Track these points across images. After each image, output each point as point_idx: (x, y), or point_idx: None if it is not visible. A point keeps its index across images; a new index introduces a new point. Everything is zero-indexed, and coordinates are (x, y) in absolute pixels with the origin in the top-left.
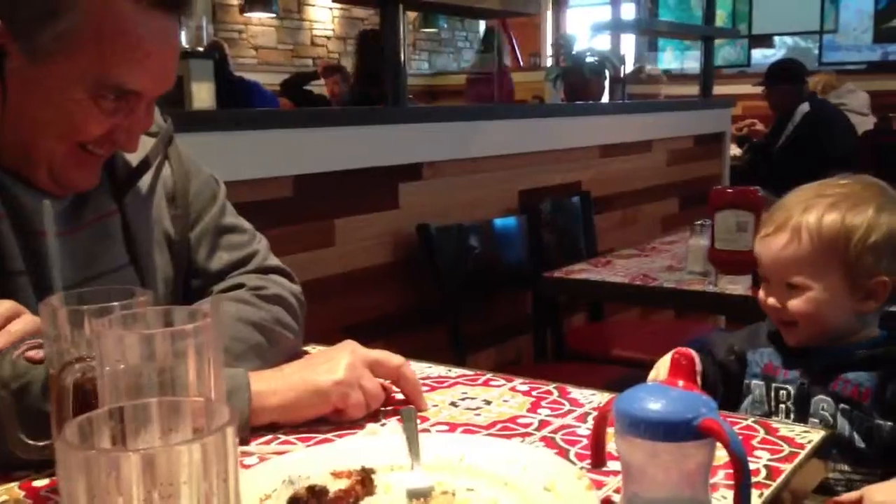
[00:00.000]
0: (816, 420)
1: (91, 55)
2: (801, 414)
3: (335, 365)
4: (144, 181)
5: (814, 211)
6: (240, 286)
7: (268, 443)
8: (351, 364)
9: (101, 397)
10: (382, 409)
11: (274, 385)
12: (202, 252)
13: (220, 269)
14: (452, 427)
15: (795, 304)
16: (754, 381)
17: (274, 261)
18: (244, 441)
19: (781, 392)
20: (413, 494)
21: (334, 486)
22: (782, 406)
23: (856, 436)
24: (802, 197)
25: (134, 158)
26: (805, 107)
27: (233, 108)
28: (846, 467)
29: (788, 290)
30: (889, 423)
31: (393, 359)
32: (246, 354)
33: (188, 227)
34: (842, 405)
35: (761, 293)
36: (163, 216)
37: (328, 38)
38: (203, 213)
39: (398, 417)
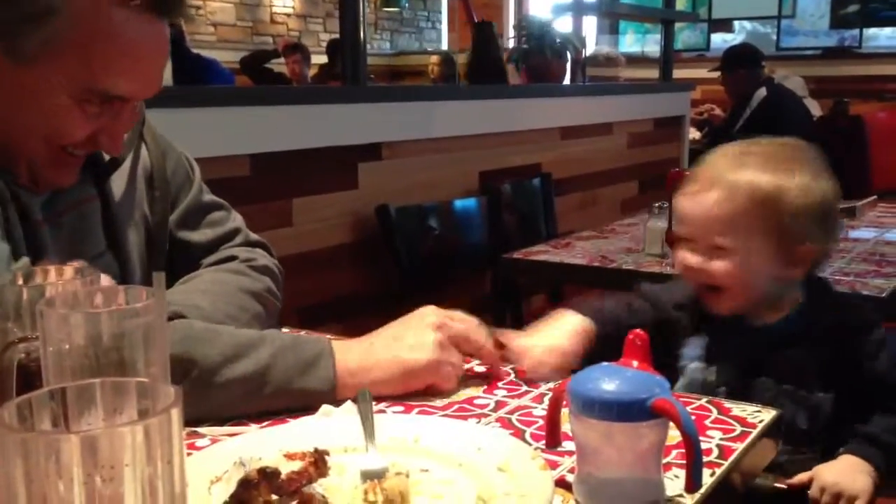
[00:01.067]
0: (757, 402)
1: (78, 61)
2: (744, 396)
3: (424, 343)
4: (126, 165)
5: (748, 170)
6: (232, 258)
7: (219, 424)
8: (439, 342)
9: (46, 378)
10: None
11: (367, 362)
12: (188, 229)
13: (207, 243)
14: (408, 408)
15: (719, 266)
16: (693, 364)
17: (255, 235)
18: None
19: (721, 373)
20: (367, 476)
21: (286, 468)
22: (722, 389)
23: (798, 416)
24: (730, 155)
25: None
26: (762, 92)
27: (189, 85)
28: (790, 448)
29: (713, 251)
30: (829, 396)
31: (477, 337)
32: (250, 323)
33: (167, 209)
34: (784, 387)
35: (680, 255)
36: (142, 200)
37: (288, 15)
38: (182, 193)
39: (353, 398)
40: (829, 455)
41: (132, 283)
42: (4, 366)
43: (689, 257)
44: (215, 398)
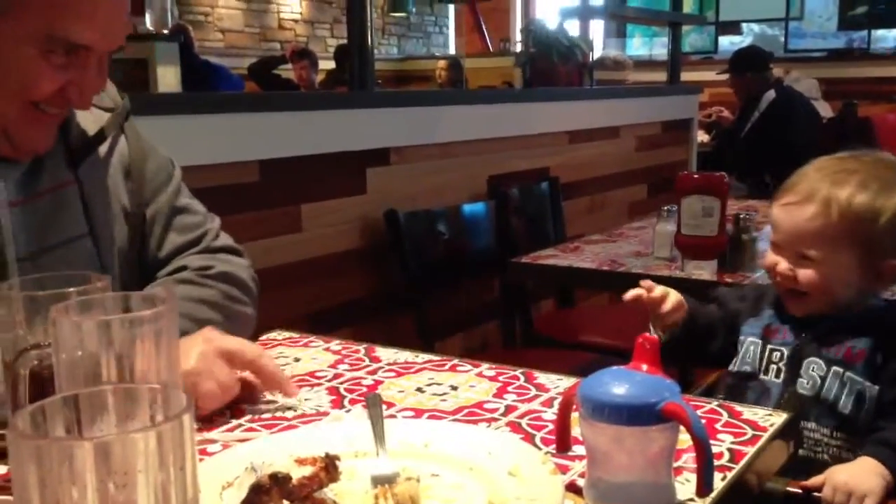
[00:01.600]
0: (805, 380)
1: (40, 11)
2: (792, 374)
3: (186, 354)
4: (101, 152)
5: (846, 187)
6: (183, 268)
7: (231, 430)
8: (202, 353)
9: (58, 385)
10: (347, 394)
11: None
12: (155, 233)
13: (169, 252)
14: (418, 413)
15: (807, 274)
16: (750, 339)
17: (223, 241)
18: None
19: (775, 353)
20: (378, 480)
21: (298, 473)
22: (773, 366)
23: (842, 400)
24: (829, 170)
25: (89, 129)
26: (771, 94)
27: (198, 91)
28: (827, 430)
29: (801, 260)
30: (876, 387)
31: (248, 351)
32: (194, 331)
33: (143, 204)
34: (834, 368)
35: (770, 258)
36: (119, 189)
37: (296, 21)
38: (158, 192)
39: (363, 403)
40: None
41: (110, 271)
42: (17, 373)
43: (778, 262)
44: None
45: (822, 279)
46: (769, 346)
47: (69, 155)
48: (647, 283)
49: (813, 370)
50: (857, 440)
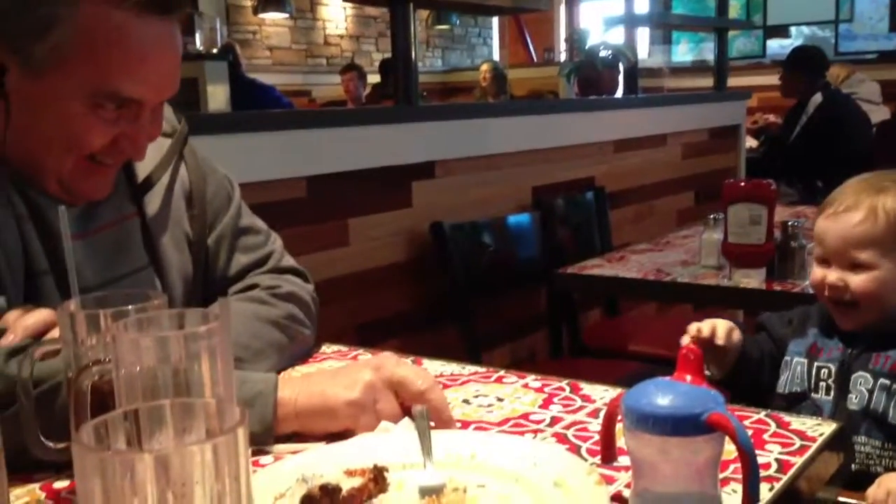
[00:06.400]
0: (854, 395)
1: (86, 66)
2: (841, 390)
3: (354, 382)
4: (162, 182)
5: (889, 194)
6: (255, 286)
7: (282, 442)
8: (370, 384)
9: (118, 399)
10: None
11: (296, 394)
12: (221, 256)
13: (237, 272)
14: (465, 424)
15: (859, 281)
16: (796, 359)
17: (289, 261)
18: (264, 444)
19: (823, 370)
20: (425, 491)
21: (347, 485)
22: (822, 384)
23: (891, 412)
24: (871, 182)
25: (151, 160)
26: (818, 98)
27: (246, 110)
28: (878, 443)
29: (852, 269)
30: None
31: (419, 381)
32: (265, 351)
33: (206, 229)
34: (881, 380)
35: (817, 273)
36: (181, 216)
37: (341, 36)
38: (220, 215)
39: (411, 415)
40: None
41: (173, 300)
42: (80, 389)
43: (827, 274)
44: None
45: (875, 285)
46: (816, 364)
47: (131, 187)
48: (691, 327)
49: (861, 384)
50: None
